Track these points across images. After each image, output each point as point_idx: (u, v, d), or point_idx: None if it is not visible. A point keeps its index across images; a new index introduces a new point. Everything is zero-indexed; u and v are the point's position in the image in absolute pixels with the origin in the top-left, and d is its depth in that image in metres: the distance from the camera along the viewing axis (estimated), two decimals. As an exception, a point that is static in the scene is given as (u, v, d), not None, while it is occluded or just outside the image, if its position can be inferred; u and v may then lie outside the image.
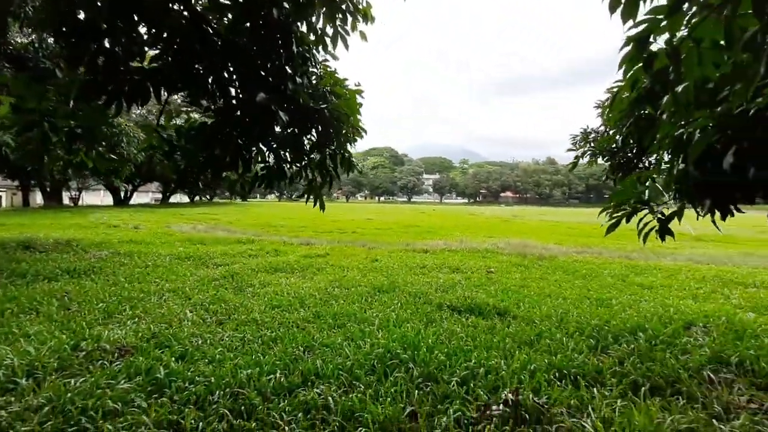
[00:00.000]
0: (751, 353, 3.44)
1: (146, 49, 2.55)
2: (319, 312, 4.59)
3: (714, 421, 2.46)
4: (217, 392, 2.81)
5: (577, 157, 4.14)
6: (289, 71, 2.20)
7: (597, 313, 4.77)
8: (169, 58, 2.47)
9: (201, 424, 2.52)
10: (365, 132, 3.00)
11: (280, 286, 5.86)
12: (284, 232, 15.38)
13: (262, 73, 2.24)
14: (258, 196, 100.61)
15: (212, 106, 2.55)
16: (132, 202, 50.38)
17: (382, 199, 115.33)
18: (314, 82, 2.41)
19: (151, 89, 2.56)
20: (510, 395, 2.69)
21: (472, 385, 2.92)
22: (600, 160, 4.17)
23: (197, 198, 62.93)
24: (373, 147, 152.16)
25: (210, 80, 2.59)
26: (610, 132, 4.09)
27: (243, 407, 2.66)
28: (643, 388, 2.88)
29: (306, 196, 3.08)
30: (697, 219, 2.65)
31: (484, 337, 3.84)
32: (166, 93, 2.62)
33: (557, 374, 3.12)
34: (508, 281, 6.59)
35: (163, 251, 8.82)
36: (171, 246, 9.80)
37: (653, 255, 10.58)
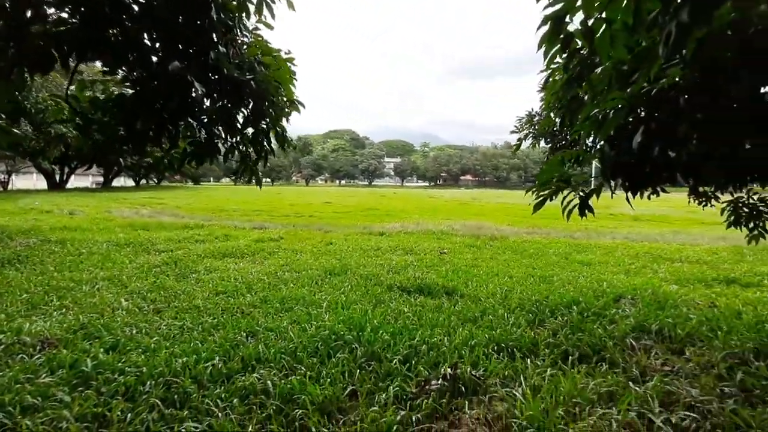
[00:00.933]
0: (669, 321, 3.76)
1: (49, 11, 2.27)
2: (266, 297, 4.48)
3: (631, 383, 2.66)
4: (149, 382, 2.67)
5: (519, 140, 4.25)
6: (214, 39, 2.04)
7: (539, 289, 5.01)
8: (77, 22, 2.21)
9: (129, 415, 2.40)
10: (302, 105, 2.87)
11: (228, 271, 5.66)
12: (237, 216, 14.84)
13: (183, 41, 2.05)
14: (212, 179, 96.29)
15: (130, 76, 2.33)
16: (69, 186, 46.60)
17: (343, 182, 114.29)
18: (243, 52, 2.26)
19: (58, 57, 2.30)
20: (449, 370, 2.77)
21: (414, 362, 2.97)
22: (543, 143, 4.31)
23: (143, 181, 59.29)
24: (334, 129, 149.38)
25: (129, 48, 2.36)
26: (551, 114, 4.22)
27: (176, 396, 2.55)
28: (571, 357, 3.07)
29: (241, 174, 2.94)
30: (612, 197, 2.79)
31: (430, 316, 3.92)
32: (75, 61, 2.35)
33: (496, 348, 3.24)
34: (460, 262, 6.76)
35: (101, 238, 8.23)
36: (110, 232, 9.17)
37: (595, 234, 11.27)
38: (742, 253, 7.74)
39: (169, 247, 7.45)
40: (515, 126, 4.58)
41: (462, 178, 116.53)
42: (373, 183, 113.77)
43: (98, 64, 2.58)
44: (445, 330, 3.56)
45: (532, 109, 4.56)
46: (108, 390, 2.62)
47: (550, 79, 3.14)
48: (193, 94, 1.93)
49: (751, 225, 3.80)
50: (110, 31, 2.29)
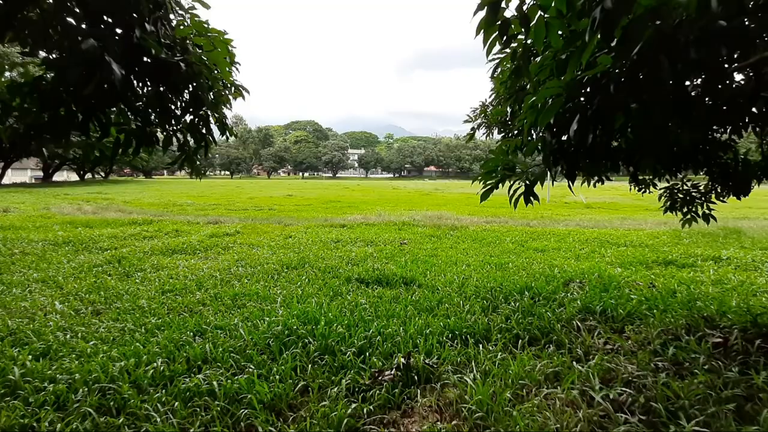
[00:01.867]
0: (612, 302, 3.97)
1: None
2: (217, 293, 4.29)
3: (575, 363, 2.78)
4: (82, 389, 2.47)
5: (473, 129, 4.29)
6: (140, 16, 1.85)
7: (494, 276, 5.14)
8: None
9: (59, 425, 2.21)
10: (246, 91, 2.70)
11: (177, 269, 5.38)
12: (191, 211, 14.20)
13: (102, 18, 1.84)
14: (165, 172, 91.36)
15: (50, 57, 2.08)
16: (5, 181, 42.66)
17: (306, 174, 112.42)
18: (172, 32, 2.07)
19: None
20: (402, 359, 2.76)
21: (368, 354, 2.95)
22: (496, 134, 4.39)
23: (89, 176, 55.34)
24: (296, 120, 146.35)
25: (48, 26, 2.12)
26: (500, 105, 4.29)
27: (113, 403, 2.39)
28: (521, 341, 3.17)
29: (181, 164, 2.74)
30: (553, 184, 2.87)
31: (387, 307, 3.91)
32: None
33: (450, 336, 3.29)
34: (420, 252, 6.81)
35: (36, 237, 7.58)
36: (47, 231, 8.47)
37: (550, 222, 11.76)
38: (680, 236, 8.34)
39: (113, 244, 6.99)
40: (468, 116, 4.62)
41: (426, 169, 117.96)
42: (337, 175, 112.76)
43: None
44: (401, 320, 3.56)
45: (485, 99, 4.62)
46: (36, 400, 2.41)
47: (499, 69, 3.18)
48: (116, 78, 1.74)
49: (685, 210, 4.06)
50: (27, 8, 2.05)
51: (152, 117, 2.48)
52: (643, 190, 4.14)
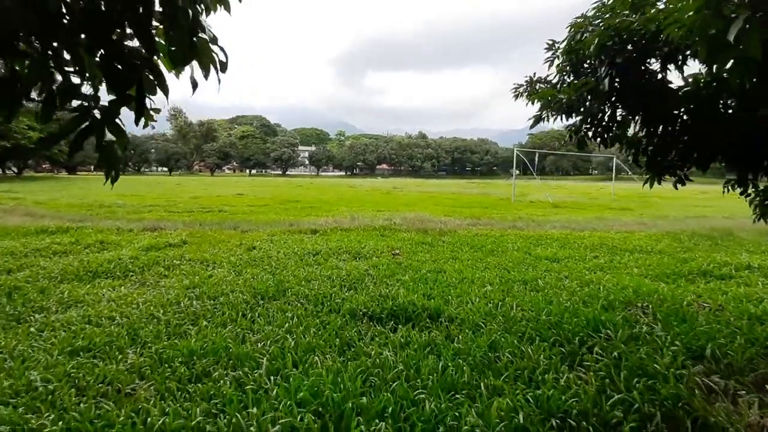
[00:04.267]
0: (720, 342, 3.02)
1: None
2: (162, 353, 2.77)
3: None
4: None
5: (539, 114, 3.16)
6: None
7: (533, 300, 4.07)
8: None
9: None
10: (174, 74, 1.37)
11: (99, 304, 3.71)
12: (122, 214, 11.89)
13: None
14: (93, 168, 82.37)
15: None
16: None
17: (253, 172, 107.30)
18: None
19: None
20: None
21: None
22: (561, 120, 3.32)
23: (-1, 171, 48.05)
24: (241, 115, 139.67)
25: None
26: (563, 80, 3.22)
27: None
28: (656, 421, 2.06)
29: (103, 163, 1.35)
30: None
31: (429, 367, 2.65)
32: None
33: (555, 425, 2.10)
34: (421, 265, 5.60)
35: None
36: None
37: (534, 223, 11.09)
38: (680, 239, 7.89)
39: (7, 265, 5.04)
40: (513, 94, 3.51)
41: (378, 167, 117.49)
42: (287, 172, 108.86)
43: None
44: (465, 395, 2.32)
45: (534, 74, 3.53)
46: None
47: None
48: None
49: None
50: None
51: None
52: (743, 192, 3.24)
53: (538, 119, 3.20)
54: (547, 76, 3.55)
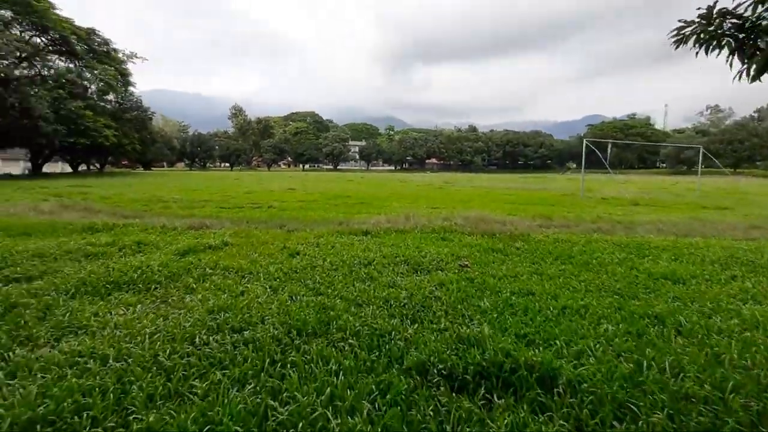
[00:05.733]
0: None
1: None
2: (151, 428, 1.88)
3: None
4: None
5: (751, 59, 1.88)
6: None
7: (692, 356, 2.73)
8: None
9: None
10: None
11: (100, 335, 2.94)
12: (175, 209, 11.74)
13: None
14: (165, 164, 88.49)
15: None
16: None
17: (306, 166, 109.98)
18: None
19: None
20: None
21: None
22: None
23: (83, 167, 52.68)
24: (295, 111, 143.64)
25: None
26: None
27: None
28: None
29: None
30: None
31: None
32: None
33: None
34: (499, 283, 4.39)
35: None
36: (-45, 243, 6.05)
37: (618, 225, 9.34)
38: None
39: (28, 271, 4.55)
40: (678, 32, 2.23)
41: (427, 161, 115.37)
42: (338, 167, 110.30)
43: None
44: None
45: (714, 2, 2.23)
46: None
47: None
48: None
49: None
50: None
51: None
52: None
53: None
54: (736, 7, 2.21)
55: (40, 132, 30.86)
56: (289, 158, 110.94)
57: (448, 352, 2.61)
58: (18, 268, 4.65)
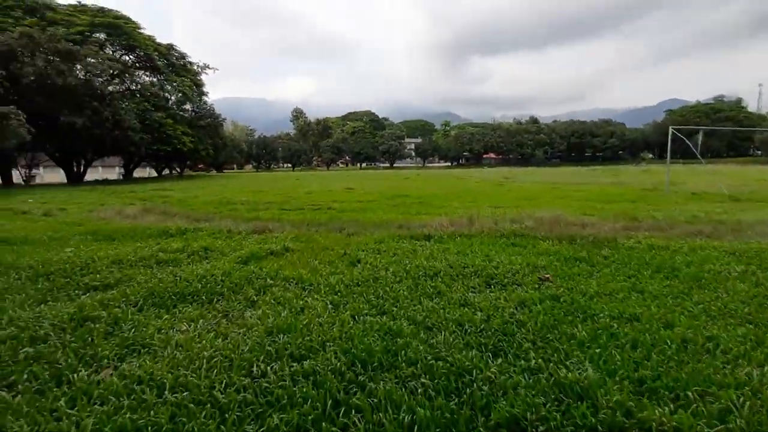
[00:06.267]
0: None
1: None
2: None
3: None
4: None
5: None
6: None
7: None
8: None
9: None
10: None
11: (161, 355, 2.83)
12: (242, 212, 12.16)
13: None
14: (235, 166, 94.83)
15: None
16: (96, 177, 45.58)
17: (363, 165, 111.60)
18: None
19: None
20: None
21: None
22: None
23: (166, 171, 57.96)
24: (353, 111, 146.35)
25: None
26: None
27: None
28: None
29: None
30: None
31: None
32: None
33: None
34: (591, 304, 3.72)
35: (29, 259, 5.62)
36: (50, 247, 6.60)
37: (722, 226, 7.96)
38: None
39: (106, 278, 4.72)
40: None
41: (485, 156, 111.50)
42: (394, 165, 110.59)
43: None
44: None
45: None
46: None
47: None
48: None
49: None
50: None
51: None
52: None
53: None
54: None
55: (130, 141, 34.31)
56: (347, 157, 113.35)
57: (547, 406, 2.10)
58: (98, 275, 4.86)
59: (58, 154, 37.24)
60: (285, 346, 2.88)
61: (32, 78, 26.98)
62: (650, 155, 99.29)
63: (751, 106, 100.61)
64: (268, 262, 5.52)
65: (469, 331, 3.13)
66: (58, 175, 43.45)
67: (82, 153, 38.27)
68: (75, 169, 38.59)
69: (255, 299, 4.02)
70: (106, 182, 36.76)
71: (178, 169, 60.83)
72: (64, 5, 39.01)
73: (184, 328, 3.30)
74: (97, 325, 3.27)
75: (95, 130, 30.80)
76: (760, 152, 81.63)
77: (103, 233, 8.06)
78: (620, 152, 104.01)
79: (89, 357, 2.80)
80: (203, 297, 4.08)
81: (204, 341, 3.01)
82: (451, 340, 2.96)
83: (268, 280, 4.61)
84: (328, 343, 2.92)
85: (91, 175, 45.14)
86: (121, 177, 51.42)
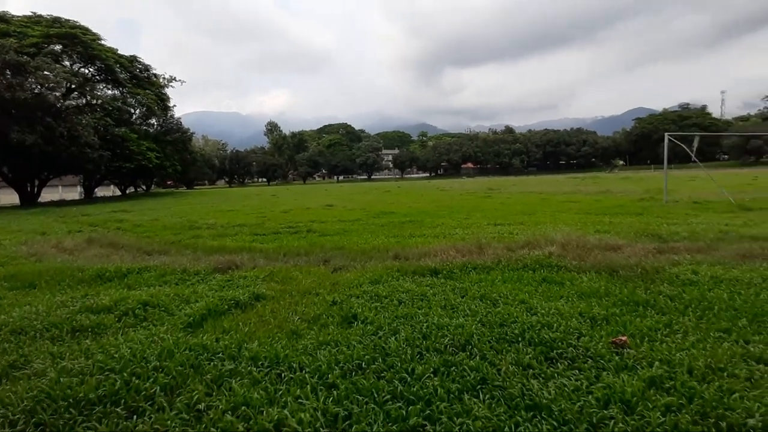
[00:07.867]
0: None
1: None
2: None
3: None
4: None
5: None
6: None
7: None
8: None
9: None
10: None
11: None
12: (207, 238, 10.51)
13: None
14: (207, 182, 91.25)
15: None
16: (55, 197, 42.24)
17: (341, 178, 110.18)
18: None
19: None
20: None
21: None
22: None
23: (131, 189, 54.67)
24: (328, 124, 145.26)
25: None
26: None
27: None
28: None
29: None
30: None
31: None
32: None
33: None
34: (713, 392, 2.48)
35: None
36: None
37: (756, 244, 7.00)
38: None
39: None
40: None
41: (463, 166, 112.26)
42: (372, 177, 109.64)
43: None
44: None
45: None
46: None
47: None
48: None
49: None
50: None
51: None
52: None
53: None
54: None
55: (87, 158, 31.69)
56: (324, 170, 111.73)
57: None
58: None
59: (11, 174, 34.12)
60: None
61: (-23, 93, 24.46)
62: (621, 162, 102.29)
63: (715, 113, 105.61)
64: (231, 323, 4.04)
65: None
66: (13, 197, 39.91)
67: (36, 172, 35.23)
68: (29, 190, 35.44)
69: (202, 408, 2.55)
70: (61, 203, 33.78)
71: (144, 187, 57.66)
72: (19, 16, 36.36)
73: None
74: None
75: (48, 147, 28.22)
76: (726, 156, 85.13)
77: (24, 278, 6.33)
78: (593, 159, 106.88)
79: None
80: (120, 408, 2.57)
81: None
82: None
83: (227, 363, 3.13)
84: None
85: (50, 195, 41.82)
86: (82, 197, 48.01)
